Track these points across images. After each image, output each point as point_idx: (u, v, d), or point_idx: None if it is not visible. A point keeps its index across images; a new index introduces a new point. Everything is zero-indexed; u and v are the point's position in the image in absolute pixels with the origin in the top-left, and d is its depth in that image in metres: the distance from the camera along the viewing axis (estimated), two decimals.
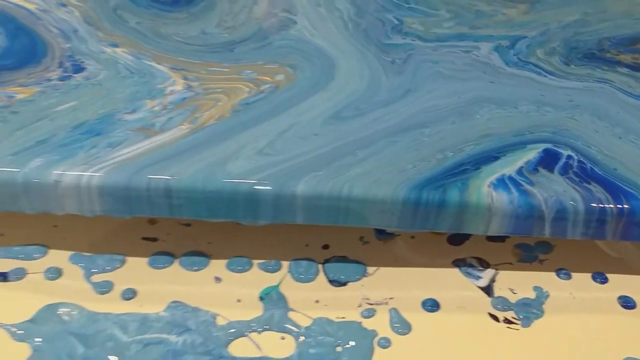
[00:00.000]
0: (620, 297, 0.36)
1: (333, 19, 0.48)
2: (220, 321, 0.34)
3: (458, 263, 0.38)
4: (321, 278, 0.36)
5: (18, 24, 0.45)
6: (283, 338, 0.33)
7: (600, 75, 0.44)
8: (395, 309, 0.35)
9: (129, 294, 0.35)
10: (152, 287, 0.35)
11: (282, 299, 0.35)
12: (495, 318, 0.35)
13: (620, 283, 0.37)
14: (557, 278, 0.37)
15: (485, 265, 0.38)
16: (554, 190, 0.34)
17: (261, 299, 0.35)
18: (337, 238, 0.38)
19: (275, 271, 0.37)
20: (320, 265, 0.37)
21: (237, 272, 0.36)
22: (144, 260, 0.37)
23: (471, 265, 0.38)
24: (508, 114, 0.40)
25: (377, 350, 0.33)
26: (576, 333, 0.34)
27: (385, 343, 0.33)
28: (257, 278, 0.36)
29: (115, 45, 0.43)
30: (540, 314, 0.35)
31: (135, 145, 0.35)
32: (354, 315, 0.34)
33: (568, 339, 0.34)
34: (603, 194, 0.34)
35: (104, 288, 0.35)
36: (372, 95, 0.41)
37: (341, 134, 0.37)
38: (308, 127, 0.37)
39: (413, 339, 0.33)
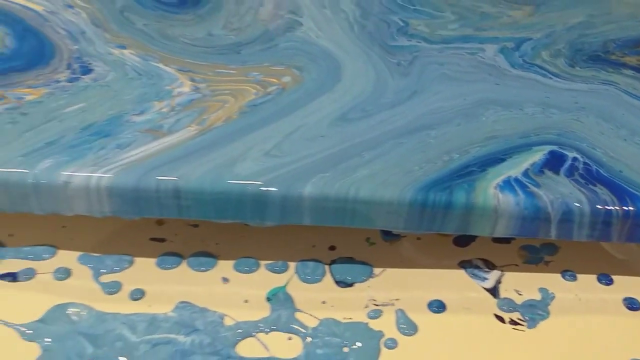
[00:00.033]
0: (625, 299, 0.36)
1: (339, 20, 0.48)
2: (228, 321, 0.34)
3: (464, 264, 0.38)
4: (328, 279, 0.37)
5: (26, 26, 0.45)
6: (290, 338, 0.33)
7: (605, 77, 0.44)
8: (401, 310, 0.35)
9: (138, 294, 0.35)
10: (160, 287, 0.36)
11: (289, 299, 0.35)
12: (501, 319, 0.35)
13: (626, 285, 0.37)
14: (563, 279, 0.37)
15: (491, 266, 0.38)
16: (560, 192, 0.34)
17: (268, 299, 0.35)
18: (343, 239, 0.38)
19: (282, 272, 0.37)
20: (326, 266, 0.37)
21: (244, 273, 0.37)
22: (152, 261, 0.37)
23: (477, 267, 0.38)
24: (513, 116, 0.40)
25: (384, 350, 0.33)
26: (581, 334, 0.34)
27: (392, 344, 0.33)
28: (264, 279, 0.36)
29: (123, 47, 0.44)
30: (545, 315, 0.35)
31: (143, 147, 0.35)
32: (360, 316, 0.35)
33: (573, 340, 0.34)
34: (608, 196, 0.34)
35: (113, 288, 0.35)
36: (378, 97, 0.41)
37: (348, 136, 0.37)
38: (315, 128, 0.38)
39: (419, 340, 0.34)
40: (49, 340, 0.33)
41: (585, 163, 0.36)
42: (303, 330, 0.34)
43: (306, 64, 0.43)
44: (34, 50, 0.43)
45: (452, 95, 0.41)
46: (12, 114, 0.37)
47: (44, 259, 0.37)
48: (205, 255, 0.37)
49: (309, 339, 0.33)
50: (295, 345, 0.33)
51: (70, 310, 0.34)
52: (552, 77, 0.44)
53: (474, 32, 0.48)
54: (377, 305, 0.35)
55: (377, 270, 0.37)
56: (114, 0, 0.48)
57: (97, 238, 0.38)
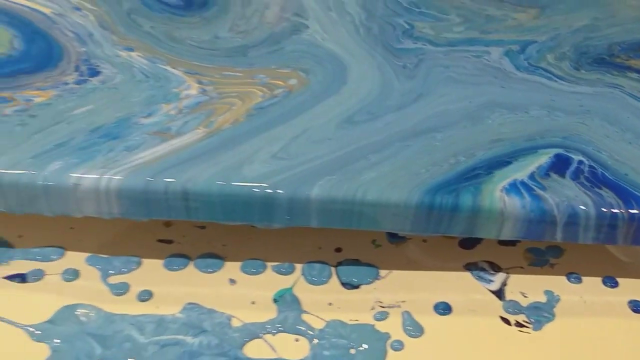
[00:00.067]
0: (630, 302, 0.36)
1: (344, 23, 0.48)
2: (235, 323, 0.34)
3: (470, 267, 0.38)
4: (334, 281, 0.37)
5: (34, 28, 0.45)
6: (297, 340, 0.34)
7: (610, 80, 0.44)
8: (407, 312, 0.35)
9: (145, 296, 0.35)
10: (168, 288, 0.36)
11: (295, 301, 0.35)
12: (507, 321, 0.35)
13: (631, 287, 0.37)
14: (568, 282, 0.37)
15: (496, 269, 0.38)
16: (566, 195, 0.34)
17: (275, 301, 0.35)
18: (349, 241, 0.39)
19: (289, 274, 0.37)
20: (333, 268, 0.37)
21: (251, 275, 0.37)
22: (159, 262, 0.37)
23: (483, 269, 0.38)
24: (519, 119, 0.40)
25: (390, 352, 0.33)
26: (587, 336, 0.35)
27: (398, 346, 0.33)
28: (271, 280, 0.37)
29: (130, 49, 0.44)
30: (551, 317, 0.35)
31: (152, 149, 0.35)
32: (366, 318, 0.35)
33: (579, 343, 0.34)
34: (614, 199, 0.34)
35: (121, 289, 0.36)
36: (384, 99, 0.41)
37: (354, 138, 0.37)
38: (321, 131, 0.38)
39: (425, 342, 0.34)
40: (58, 341, 0.33)
41: (590, 166, 0.37)
42: (310, 332, 0.34)
43: (312, 66, 0.43)
44: (42, 53, 0.43)
45: (458, 98, 0.41)
46: (21, 116, 0.37)
47: (52, 260, 0.37)
48: (212, 256, 0.38)
49: (315, 341, 0.33)
50: (302, 347, 0.33)
51: (79, 311, 0.34)
52: (557, 80, 0.44)
53: (479, 34, 0.48)
54: (383, 307, 0.35)
55: (383, 272, 0.37)
56: (122, 3, 0.48)
57: (105, 239, 0.38)
